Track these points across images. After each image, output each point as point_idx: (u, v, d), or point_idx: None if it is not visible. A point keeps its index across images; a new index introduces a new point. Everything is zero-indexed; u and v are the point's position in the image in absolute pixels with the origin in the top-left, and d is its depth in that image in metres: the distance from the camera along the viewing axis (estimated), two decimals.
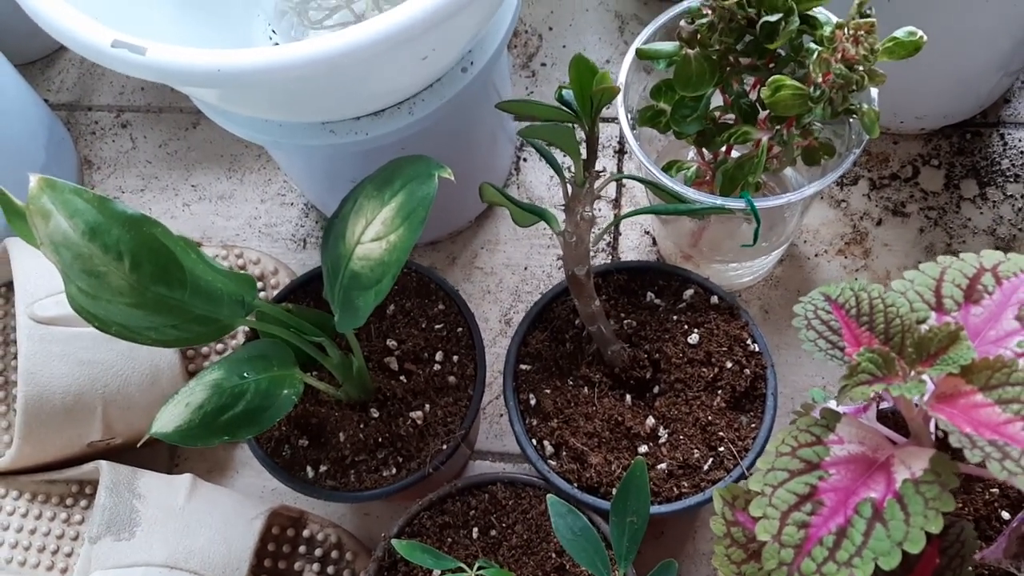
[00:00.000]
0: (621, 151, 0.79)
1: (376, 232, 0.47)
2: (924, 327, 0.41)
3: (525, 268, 0.76)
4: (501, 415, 0.71)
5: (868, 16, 0.49)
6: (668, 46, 0.55)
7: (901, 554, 0.36)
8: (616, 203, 0.77)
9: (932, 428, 0.44)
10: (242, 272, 0.48)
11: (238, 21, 0.65)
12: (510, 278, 0.75)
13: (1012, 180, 0.73)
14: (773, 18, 0.51)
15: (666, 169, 0.58)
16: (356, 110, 0.55)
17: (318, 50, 0.43)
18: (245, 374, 0.51)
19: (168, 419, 0.49)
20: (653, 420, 0.55)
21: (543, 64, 0.83)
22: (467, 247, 0.77)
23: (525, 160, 0.80)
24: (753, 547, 0.45)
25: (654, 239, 0.75)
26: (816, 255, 0.72)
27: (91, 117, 0.87)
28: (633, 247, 0.75)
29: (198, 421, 0.49)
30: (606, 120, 0.80)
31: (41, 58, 0.91)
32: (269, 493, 0.70)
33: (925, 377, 0.39)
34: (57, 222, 0.41)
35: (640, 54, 0.56)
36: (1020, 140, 0.74)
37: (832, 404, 0.49)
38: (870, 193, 0.74)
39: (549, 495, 0.48)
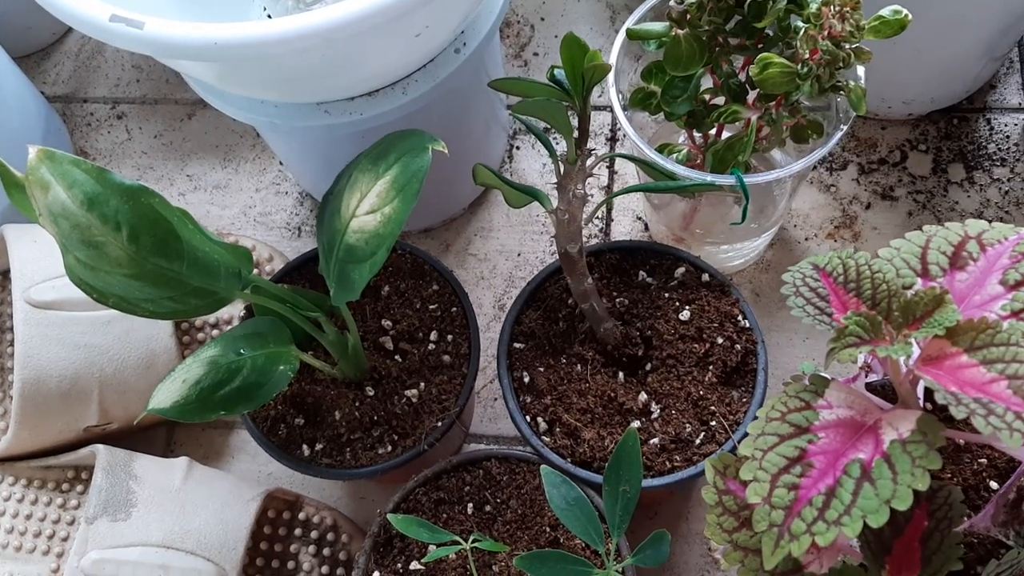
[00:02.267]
0: (613, 138, 0.80)
1: (371, 205, 0.48)
2: (910, 292, 0.42)
3: (519, 254, 0.76)
4: (495, 399, 0.71)
5: None
6: (658, 26, 0.56)
7: (889, 512, 0.37)
8: (608, 189, 0.77)
9: (920, 394, 0.45)
10: (238, 245, 0.48)
11: (234, 3, 0.66)
12: (503, 264, 0.76)
13: (998, 164, 0.74)
14: None
15: (658, 152, 0.59)
16: (351, 90, 0.56)
17: (313, 23, 0.44)
18: (241, 351, 0.51)
19: (165, 395, 0.50)
20: (645, 396, 0.56)
21: (535, 54, 0.84)
22: (461, 234, 0.77)
23: (518, 148, 0.80)
24: (744, 515, 0.45)
25: (646, 224, 0.75)
26: (806, 239, 0.73)
27: (87, 109, 0.88)
28: (625, 232, 0.76)
29: (195, 396, 0.49)
30: (598, 108, 0.81)
31: (38, 51, 0.91)
32: (265, 477, 0.70)
33: (912, 340, 0.40)
34: (56, 193, 0.42)
35: (630, 34, 0.56)
36: (1006, 125, 0.75)
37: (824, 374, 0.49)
38: (859, 178, 0.75)
39: (543, 466, 0.49)
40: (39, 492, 0.68)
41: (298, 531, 0.65)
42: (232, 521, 0.62)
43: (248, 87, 0.56)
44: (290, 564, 0.64)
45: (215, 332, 0.72)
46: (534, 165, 0.80)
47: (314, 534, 0.65)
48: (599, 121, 0.80)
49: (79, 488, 0.68)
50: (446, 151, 0.48)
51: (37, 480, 0.68)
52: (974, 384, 0.37)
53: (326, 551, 0.65)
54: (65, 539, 0.67)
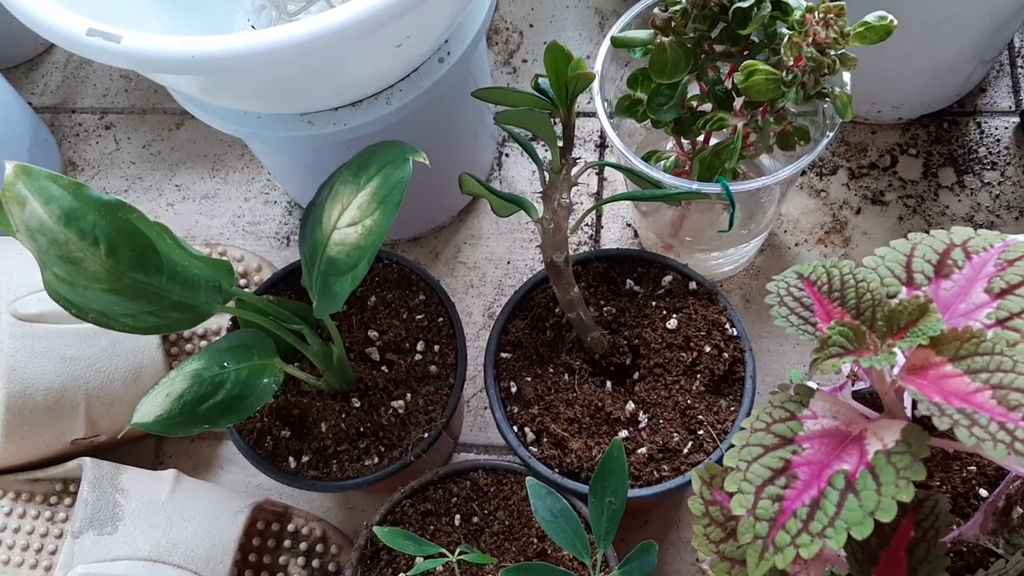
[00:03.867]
0: (602, 145, 0.79)
1: (352, 217, 0.48)
2: (895, 301, 0.41)
3: (508, 262, 0.76)
4: (485, 408, 0.71)
5: None
6: (643, 34, 0.55)
7: (873, 523, 0.36)
8: (597, 196, 0.77)
9: (908, 405, 0.45)
10: (218, 258, 0.48)
11: (217, 16, 0.66)
12: (493, 272, 0.76)
13: (989, 168, 0.73)
14: (745, 4, 0.51)
15: (645, 160, 0.58)
16: (334, 100, 0.56)
17: (291, 35, 0.43)
18: (225, 363, 0.51)
19: (149, 409, 0.49)
20: (633, 405, 0.55)
21: (524, 60, 0.84)
22: (450, 242, 0.77)
23: (507, 156, 0.80)
24: (731, 525, 0.45)
25: (635, 231, 0.75)
26: (796, 244, 0.73)
27: (75, 119, 0.88)
28: (615, 239, 0.75)
29: (178, 410, 0.49)
30: (586, 115, 0.80)
31: (25, 61, 0.91)
32: (254, 489, 0.70)
33: (896, 349, 0.39)
34: (33, 208, 0.41)
35: (615, 42, 0.56)
36: (996, 128, 0.75)
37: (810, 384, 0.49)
38: (849, 182, 0.75)
39: (528, 477, 0.49)
40: (27, 505, 0.67)
41: (287, 543, 0.65)
42: (220, 533, 0.61)
43: (230, 99, 0.56)
44: None
45: (203, 343, 0.71)
46: (523, 172, 0.79)
47: (303, 545, 0.65)
48: (588, 128, 0.80)
49: (67, 501, 0.68)
50: (427, 162, 0.48)
51: (25, 493, 0.68)
52: (958, 394, 0.37)
53: (315, 563, 0.65)
54: (53, 552, 0.66)
